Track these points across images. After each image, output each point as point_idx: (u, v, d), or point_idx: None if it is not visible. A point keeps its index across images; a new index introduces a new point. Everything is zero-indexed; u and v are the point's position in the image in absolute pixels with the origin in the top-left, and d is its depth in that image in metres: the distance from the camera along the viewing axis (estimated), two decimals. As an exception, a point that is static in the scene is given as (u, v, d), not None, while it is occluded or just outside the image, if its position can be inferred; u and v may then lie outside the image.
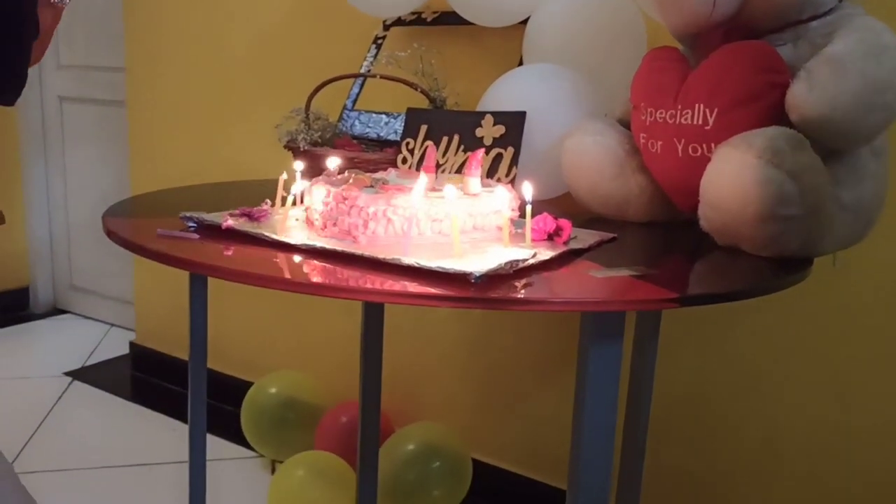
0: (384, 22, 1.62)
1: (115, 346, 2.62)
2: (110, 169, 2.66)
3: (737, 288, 0.77)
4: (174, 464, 1.87)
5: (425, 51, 1.32)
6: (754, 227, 0.80)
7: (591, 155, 1.02)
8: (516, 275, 0.70)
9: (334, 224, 0.78)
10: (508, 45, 1.48)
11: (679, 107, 0.93)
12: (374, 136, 1.40)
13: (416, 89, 1.27)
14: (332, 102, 1.40)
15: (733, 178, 0.80)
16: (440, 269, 0.67)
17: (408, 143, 1.16)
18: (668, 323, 1.28)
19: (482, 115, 1.11)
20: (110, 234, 0.82)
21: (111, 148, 2.64)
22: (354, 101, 1.50)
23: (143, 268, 2.36)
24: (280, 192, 0.91)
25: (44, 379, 2.35)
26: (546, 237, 0.82)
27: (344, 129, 1.42)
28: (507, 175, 1.06)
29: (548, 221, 0.83)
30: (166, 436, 2.01)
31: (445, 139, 1.13)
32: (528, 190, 0.81)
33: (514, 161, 1.07)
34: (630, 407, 1.17)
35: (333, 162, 0.91)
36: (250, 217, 0.86)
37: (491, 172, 1.07)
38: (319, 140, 1.26)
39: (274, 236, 0.79)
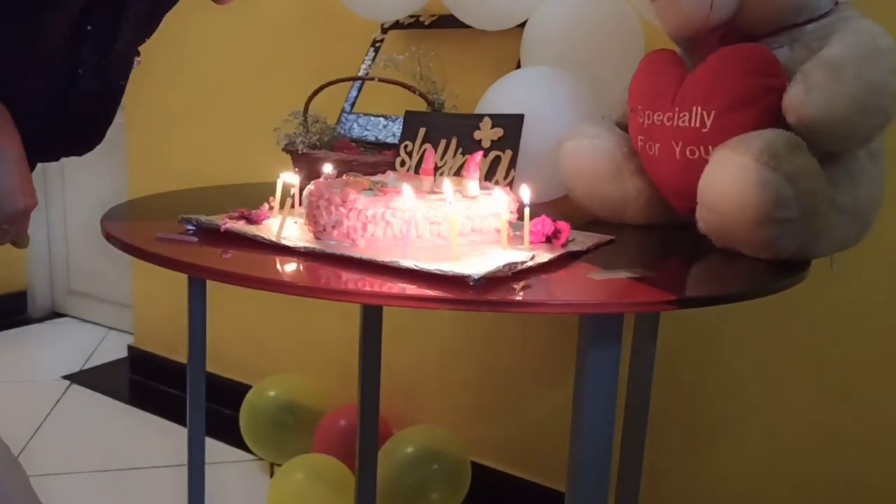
0: (382, 25, 1.63)
1: (114, 349, 2.62)
2: (108, 172, 2.66)
3: (734, 290, 0.78)
4: (172, 467, 1.86)
5: (423, 54, 1.32)
6: (752, 229, 0.81)
7: (588, 157, 1.02)
8: (515, 277, 0.70)
9: (333, 227, 0.78)
10: (506, 48, 1.49)
11: (676, 109, 0.93)
12: (373, 138, 1.40)
13: (414, 92, 1.27)
14: (331, 105, 1.40)
15: (731, 181, 0.80)
16: (439, 272, 0.67)
17: (406, 146, 1.16)
18: (666, 325, 1.29)
19: (480, 117, 1.12)
20: (109, 237, 0.82)
21: (109, 151, 2.63)
22: (353, 104, 1.50)
23: (141, 271, 2.36)
24: (278, 195, 0.91)
25: (42, 383, 2.35)
26: (544, 239, 0.83)
27: (342, 132, 1.42)
28: (505, 178, 1.06)
29: (546, 224, 0.83)
30: (165, 439, 2.01)
31: (444, 142, 1.13)
32: (525, 192, 0.82)
33: (513, 164, 1.07)
34: (629, 409, 1.17)
35: (329, 168, 0.92)
36: (249, 220, 0.86)
37: (489, 175, 1.07)
38: (318, 143, 1.26)
39: (272, 239, 0.79)
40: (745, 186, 0.79)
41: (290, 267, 0.74)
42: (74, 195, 2.87)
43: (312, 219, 0.81)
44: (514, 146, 1.08)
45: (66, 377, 2.39)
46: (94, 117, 0.75)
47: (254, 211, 0.87)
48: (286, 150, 1.26)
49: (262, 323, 2.08)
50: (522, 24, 1.34)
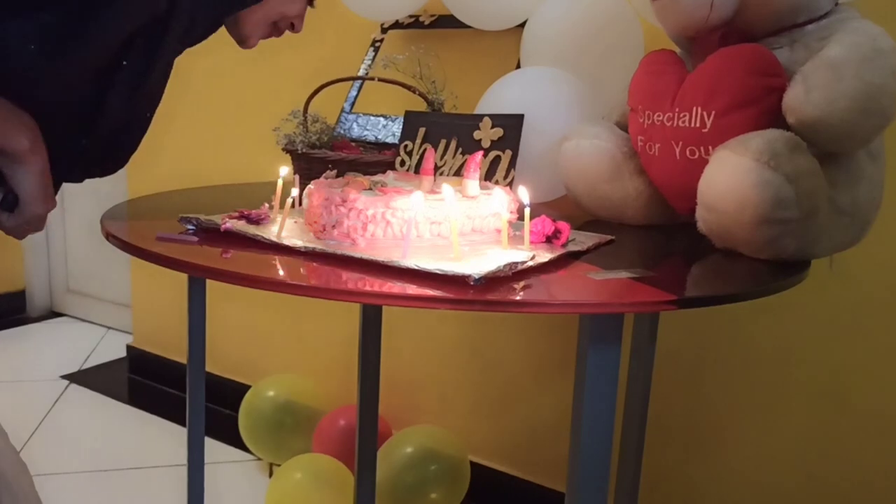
0: (382, 25, 1.63)
1: (112, 349, 2.62)
2: (107, 172, 2.65)
3: (734, 290, 0.78)
4: (171, 467, 1.86)
5: (423, 54, 1.32)
6: (751, 229, 0.81)
7: (588, 158, 1.02)
8: (515, 277, 0.70)
9: (333, 227, 0.78)
10: (506, 49, 1.49)
11: (676, 110, 0.93)
12: (372, 138, 1.40)
13: (414, 92, 1.27)
14: (330, 105, 1.40)
15: (731, 181, 0.80)
16: (439, 272, 0.67)
17: (406, 146, 1.16)
18: (665, 325, 1.29)
19: (480, 117, 1.12)
20: (109, 236, 0.82)
21: (108, 151, 2.63)
22: (352, 104, 1.50)
23: (139, 271, 2.36)
24: (279, 195, 0.91)
25: (41, 382, 2.34)
26: (544, 239, 0.83)
27: (342, 131, 1.42)
28: (504, 178, 1.06)
29: (546, 224, 0.83)
30: (163, 439, 2.01)
31: (443, 142, 1.13)
32: (525, 193, 0.82)
33: (512, 164, 1.07)
34: (628, 409, 1.17)
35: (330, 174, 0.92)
36: (249, 219, 0.86)
37: (489, 175, 1.07)
38: (317, 143, 1.26)
39: (273, 239, 0.79)
40: (744, 187, 0.79)
41: (290, 267, 0.74)
42: (73, 195, 2.86)
43: (312, 218, 0.81)
44: (514, 146, 1.07)
45: (64, 377, 2.39)
46: (119, 144, 0.81)
47: (254, 211, 0.87)
48: (286, 149, 1.25)
49: (262, 323, 2.08)
50: (522, 25, 1.34)
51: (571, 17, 1.25)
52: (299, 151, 1.22)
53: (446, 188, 0.79)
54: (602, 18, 1.23)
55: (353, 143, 1.34)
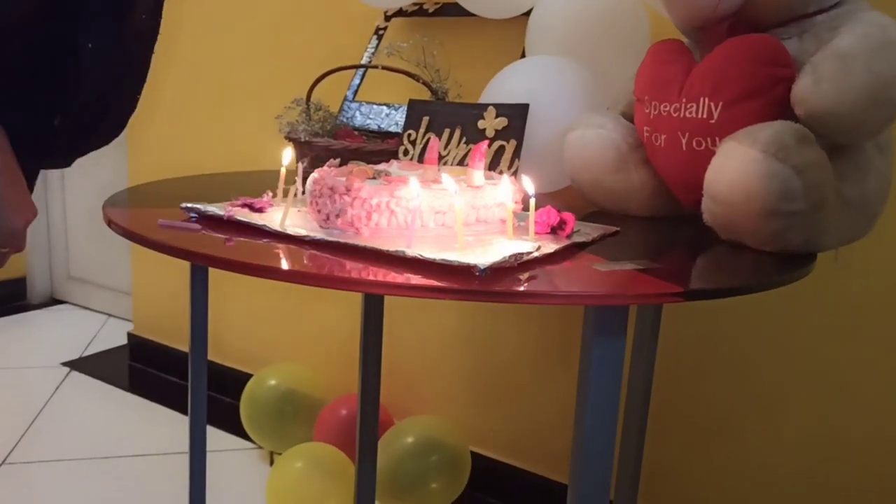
0: (385, 13, 1.61)
1: (113, 336, 2.62)
2: (108, 159, 2.64)
3: (740, 283, 0.77)
4: (171, 454, 1.87)
5: (427, 42, 1.32)
6: (758, 221, 0.80)
7: (593, 148, 1.02)
8: (520, 268, 0.69)
9: (337, 216, 0.77)
10: (511, 37, 1.47)
11: (683, 100, 0.93)
12: (375, 127, 1.40)
13: (417, 81, 1.26)
14: (333, 93, 1.39)
15: (737, 173, 0.80)
16: (444, 262, 0.66)
17: (409, 135, 1.16)
18: (667, 318, 1.28)
19: (484, 107, 1.11)
20: (111, 224, 0.82)
21: (109, 138, 2.62)
22: (355, 93, 1.49)
23: (140, 258, 2.36)
24: (282, 183, 0.91)
25: (41, 369, 2.35)
26: (549, 230, 0.82)
27: (344, 120, 1.41)
28: (509, 167, 1.06)
29: (551, 214, 0.82)
30: (164, 426, 2.01)
31: (447, 131, 1.13)
32: (528, 183, 0.81)
33: (517, 154, 1.06)
34: (629, 403, 1.17)
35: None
36: (252, 208, 0.85)
37: (493, 165, 1.07)
38: (320, 131, 1.25)
39: (276, 228, 0.78)
40: (751, 178, 0.78)
41: (293, 255, 0.74)
42: (74, 182, 2.86)
43: (316, 207, 0.80)
44: (519, 136, 1.07)
45: (65, 364, 2.39)
46: (112, 103, 0.62)
47: (256, 199, 0.87)
48: (288, 137, 1.25)
49: (263, 312, 2.08)
50: (528, 13, 1.33)
51: (577, 5, 1.23)
52: (302, 140, 1.22)
53: (446, 178, 0.78)
54: (608, 7, 1.22)
55: (356, 132, 1.33)
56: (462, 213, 0.78)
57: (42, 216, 2.94)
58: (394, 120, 1.38)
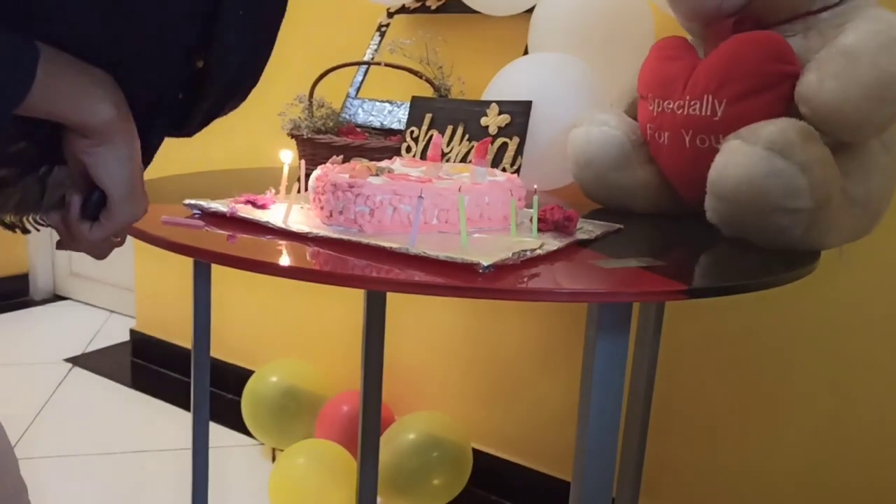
0: (388, 10, 1.61)
1: (115, 332, 2.62)
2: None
3: (744, 280, 0.77)
4: (173, 451, 1.87)
5: (430, 39, 1.31)
6: (762, 219, 0.80)
7: (597, 145, 1.01)
8: (523, 265, 0.69)
9: (340, 212, 0.77)
10: (514, 34, 1.47)
11: (687, 97, 0.92)
12: (378, 124, 1.39)
13: (420, 77, 1.26)
14: (336, 90, 1.39)
15: (742, 170, 0.79)
16: (447, 259, 0.66)
17: (412, 132, 1.16)
18: (669, 316, 1.28)
19: (487, 104, 1.11)
20: (114, 220, 0.81)
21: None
22: (358, 90, 1.49)
23: (143, 255, 2.36)
24: (285, 180, 0.91)
25: (44, 365, 2.35)
26: (553, 227, 0.82)
27: (347, 117, 1.41)
28: (512, 165, 1.06)
29: (555, 212, 0.82)
30: (166, 423, 2.02)
31: (450, 128, 1.12)
32: (532, 181, 0.81)
33: (520, 151, 1.06)
34: (631, 400, 1.17)
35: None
36: (255, 204, 0.85)
37: (496, 162, 1.06)
38: (323, 128, 1.25)
39: (279, 224, 0.78)
40: (756, 176, 0.78)
41: (296, 252, 0.74)
42: (76, 178, 2.86)
43: (319, 204, 0.80)
44: (522, 133, 1.07)
45: (67, 360, 2.39)
46: (245, 72, 0.60)
47: (260, 196, 0.87)
48: (291, 134, 1.25)
49: (265, 308, 2.08)
50: (530, 10, 1.33)
51: (580, 2, 1.23)
52: (305, 136, 1.21)
53: (449, 175, 0.78)
54: (612, 4, 1.22)
55: (359, 129, 1.33)
56: (465, 210, 0.78)
57: (44, 212, 2.95)
58: (396, 117, 1.38)
